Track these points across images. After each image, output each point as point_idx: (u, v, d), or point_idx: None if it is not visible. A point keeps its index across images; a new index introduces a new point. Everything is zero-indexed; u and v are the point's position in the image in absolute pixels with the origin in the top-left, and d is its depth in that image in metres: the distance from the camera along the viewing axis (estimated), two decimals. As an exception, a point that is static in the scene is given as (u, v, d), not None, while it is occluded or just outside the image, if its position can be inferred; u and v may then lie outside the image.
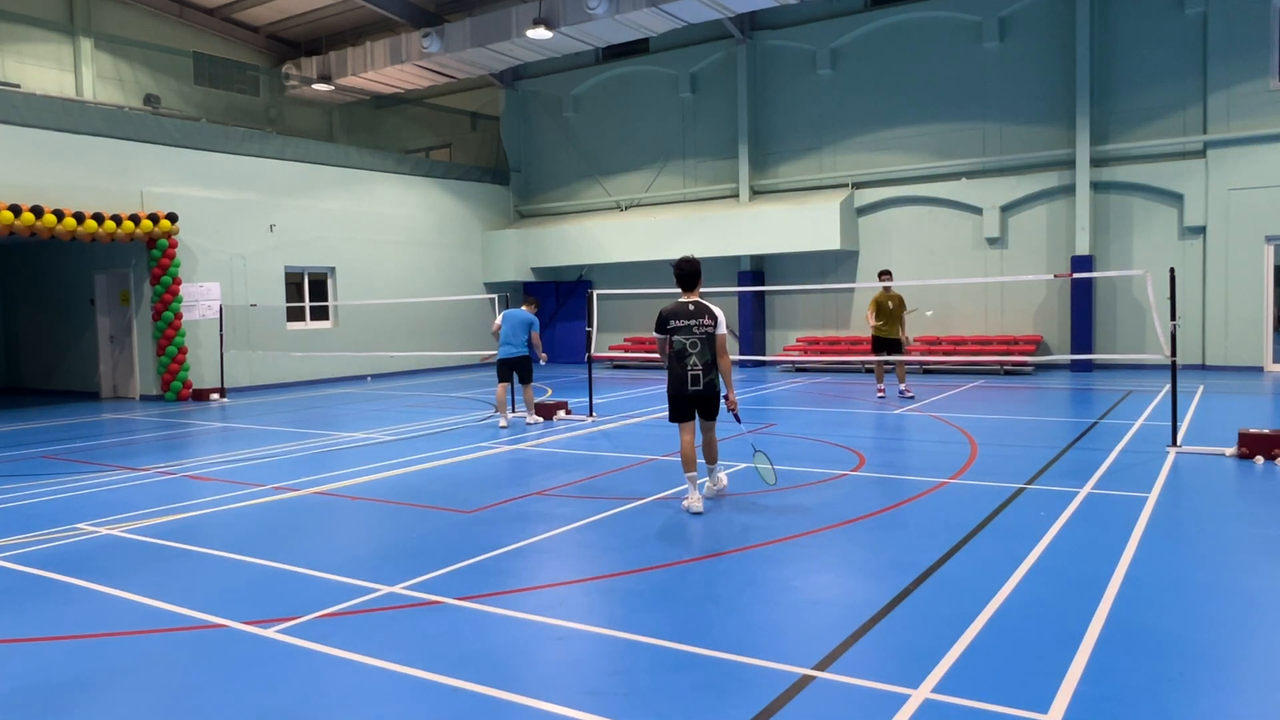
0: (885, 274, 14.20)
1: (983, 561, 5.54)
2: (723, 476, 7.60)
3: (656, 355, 21.00)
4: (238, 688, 4.02)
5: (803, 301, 21.23)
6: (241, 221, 18.44)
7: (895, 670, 3.97)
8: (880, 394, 14.30)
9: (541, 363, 13.20)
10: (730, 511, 7.07)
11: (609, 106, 23.63)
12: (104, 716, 3.82)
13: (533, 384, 12.79)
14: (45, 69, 20.34)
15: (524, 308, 12.66)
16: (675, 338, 7.10)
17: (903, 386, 14.16)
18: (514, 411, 13.21)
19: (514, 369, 12.37)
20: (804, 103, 20.77)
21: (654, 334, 7.28)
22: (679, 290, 7.39)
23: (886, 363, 14.50)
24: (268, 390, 18.56)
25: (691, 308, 7.16)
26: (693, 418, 7.26)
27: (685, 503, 7.12)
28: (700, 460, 7.55)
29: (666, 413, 7.46)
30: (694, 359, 7.05)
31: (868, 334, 19.94)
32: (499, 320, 12.47)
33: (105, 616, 5.02)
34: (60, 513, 7.65)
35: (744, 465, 8.78)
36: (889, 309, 13.98)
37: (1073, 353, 17.67)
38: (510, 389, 12.59)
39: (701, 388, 7.08)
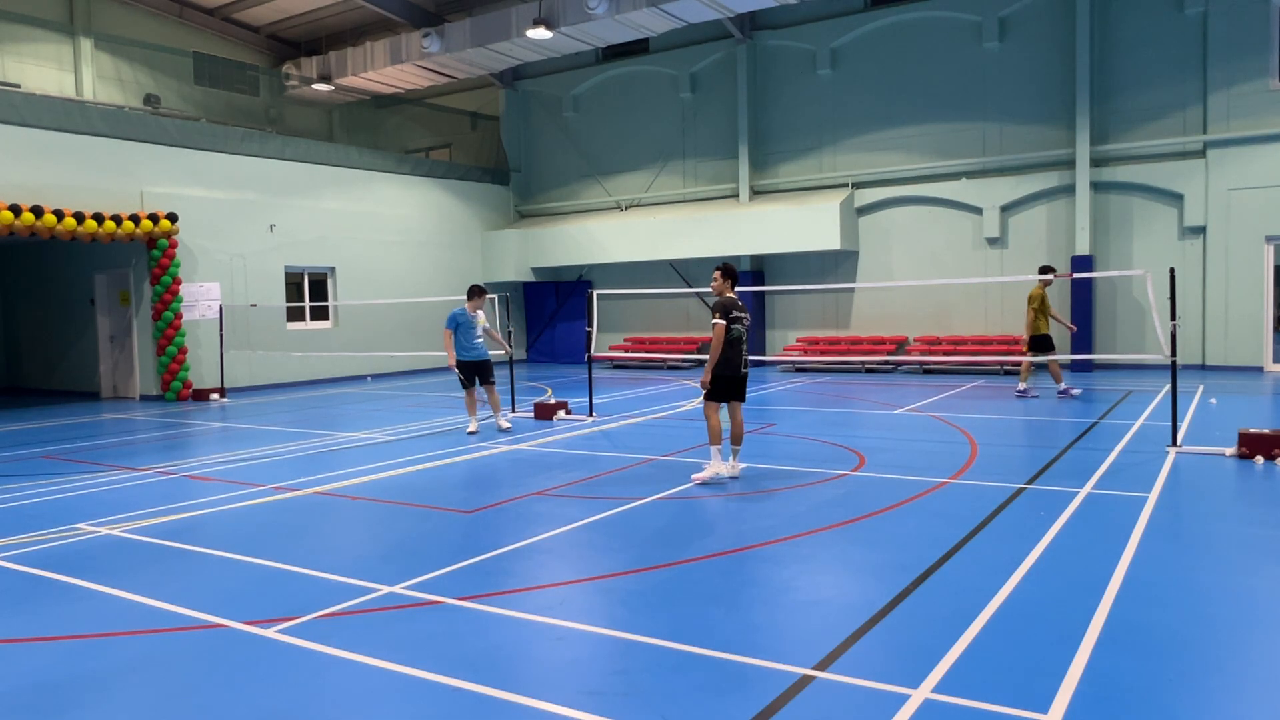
0: (1050, 269, 13.63)
1: (983, 561, 5.54)
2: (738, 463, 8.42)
3: (656, 355, 21.18)
4: (238, 688, 4.02)
5: (803, 301, 21.22)
6: (241, 221, 18.44)
7: (895, 670, 3.97)
8: (1071, 390, 13.68)
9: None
10: (730, 511, 7.08)
11: (609, 106, 23.63)
12: (104, 716, 3.82)
13: (485, 386, 11.72)
14: (45, 69, 20.34)
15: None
16: (734, 326, 8.06)
17: (1064, 386, 13.64)
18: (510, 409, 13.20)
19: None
20: (804, 103, 20.77)
21: (717, 320, 8.05)
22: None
23: (1042, 361, 13.88)
24: (268, 390, 18.55)
25: (740, 303, 8.23)
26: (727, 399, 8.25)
27: (707, 474, 8.05)
28: (726, 441, 8.39)
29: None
30: (745, 345, 8.18)
31: (868, 334, 20.16)
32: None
33: (105, 616, 5.02)
34: (60, 513, 7.65)
35: (745, 465, 8.77)
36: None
37: (1073, 353, 17.65)
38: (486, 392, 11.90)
39: (747, 370, 8.27)
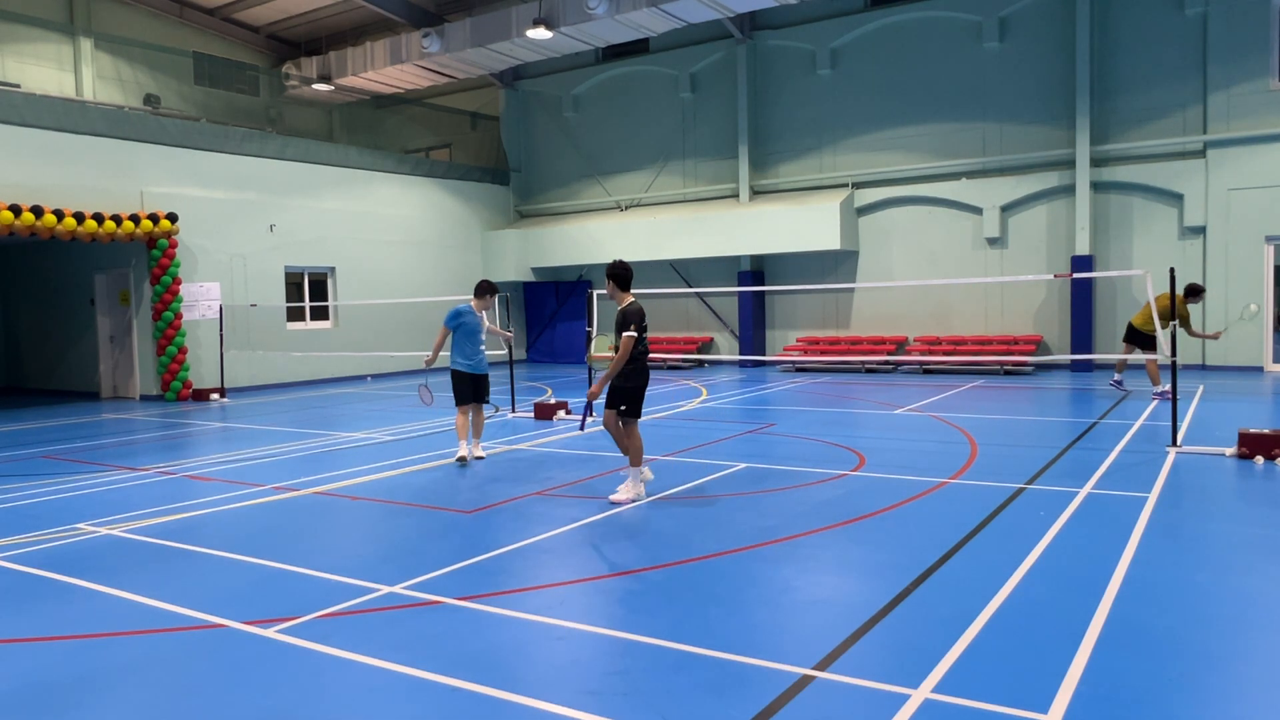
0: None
1: (983, 561, 5.54)
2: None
3: (656, 355, 21.15)
4: (238, 688, 4.02)
5: (803, 301, 21.22)
6: (241, 221, 18.44)
7: (895, 670, 3.97)
8: (1167, 392, 12.68)
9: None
10: (730, 511, 7.07)
11: (609, 106, 23.63)
12: (104, 716, 3.82)
13: (477, 405, 9.76)
14: (45, 69, 20.34)
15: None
16: (643, 336, 7.50)
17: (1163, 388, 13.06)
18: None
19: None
20: (804, 103, 20.77)
21: (631, 332, 7.33)
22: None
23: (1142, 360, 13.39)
24: (268, 390, 18.55)
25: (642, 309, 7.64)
26: None
27: (627, 495, 7.42)
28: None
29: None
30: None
31: (868, 334, 20.16)
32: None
33: (105, 616, 5.02)
34: (60, 513, 7.65)
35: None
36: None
37: (1073, 353, 17.66)
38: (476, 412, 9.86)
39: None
